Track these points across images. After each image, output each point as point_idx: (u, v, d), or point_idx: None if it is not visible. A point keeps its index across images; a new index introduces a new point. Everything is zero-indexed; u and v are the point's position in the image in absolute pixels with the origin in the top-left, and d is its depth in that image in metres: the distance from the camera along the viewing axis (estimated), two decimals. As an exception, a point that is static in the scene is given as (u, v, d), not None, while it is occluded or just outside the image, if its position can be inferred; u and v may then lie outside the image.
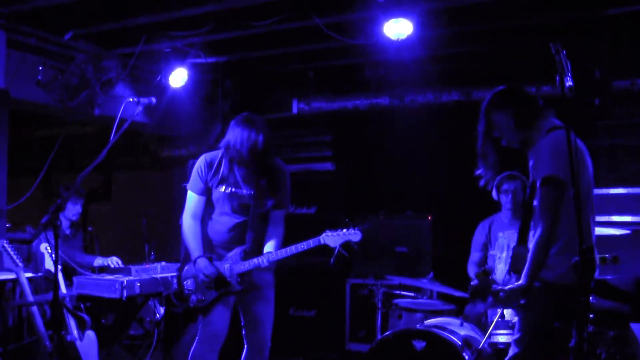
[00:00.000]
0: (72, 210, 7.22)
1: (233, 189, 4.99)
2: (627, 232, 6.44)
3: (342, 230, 4.79)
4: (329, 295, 8.21)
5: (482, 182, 4.23)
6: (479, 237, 6.41)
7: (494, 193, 6.30)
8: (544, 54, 3.64)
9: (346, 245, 4.82)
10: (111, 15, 6.65)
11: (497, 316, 5.25)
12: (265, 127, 4.91)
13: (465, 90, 7.74)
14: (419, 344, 5.32)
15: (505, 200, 6.20)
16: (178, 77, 7.43)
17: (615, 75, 6.93)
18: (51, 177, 9.12)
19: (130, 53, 7.33)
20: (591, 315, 5.21)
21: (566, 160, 3.69)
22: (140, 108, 4.79)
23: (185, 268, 5.07)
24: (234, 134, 4.89)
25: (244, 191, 4.99)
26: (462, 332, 5.49)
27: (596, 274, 5.74)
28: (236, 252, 4.95)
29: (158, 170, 10.41)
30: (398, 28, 6.21)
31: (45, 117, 8.30)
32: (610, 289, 6.11)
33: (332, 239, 4.78)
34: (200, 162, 5.10)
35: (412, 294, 6.38)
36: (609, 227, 6.39)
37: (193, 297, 5.00)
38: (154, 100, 4.84)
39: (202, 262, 4.94)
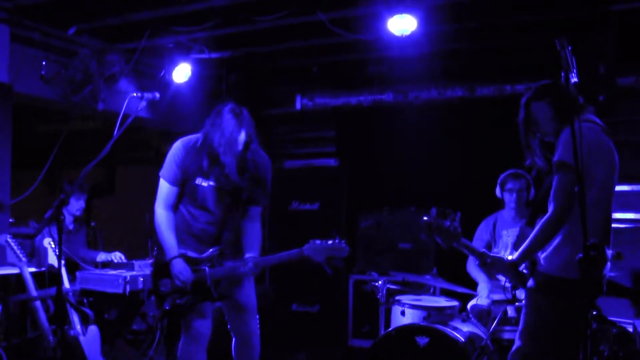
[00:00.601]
0: (76, 205, 7.22)
1: (211, 183, 4.76)
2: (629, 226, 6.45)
3: (327, 242, 4.63)
4: (332, 291, 8.20)
5: (534, 172, 4.22)
6: (482, 234, 6.39)
7: (497, 191, 6.29)
8: (549, 50, 3.62)
9: (330, 259, 4.68)
10: (115, 10, 6.65)
11: (501, 312, 5.24)
12: (249, 121, 4.71)
13: (469, 86, 7.74)
14: (422, 340, 5.32)
15: (510, 199, 6.19)
16: (182, 73, 7.42)
17: (620, 71, 6.93)
18: (55, 172, 9.11)
19: (134, 48, 7.33)
20: (594, 312, 5.20)
21: (586, 150, 3.70)
22: (143, 103, 4.80)
23: (160, 266, 4.84)
24: (216, 125, 4.66)
25: (223, 186, 4.76)
26: (466, 329, 5.49)
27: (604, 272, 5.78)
28: (213, 253, 4.78)
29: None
30: (402, 24, 6.20)
31: (48, 112, 8.30)
32: (615, 286, 6.10)
33: (316, 252, 4.61)
34: (177, 147, 4.85)
35: (415, 290, 6.38)
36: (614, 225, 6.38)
37: (169, 300, 4.81)
38: (157, 95, 4.83)
39: (178, 265, 4.69)
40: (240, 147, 4.67)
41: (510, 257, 3.98)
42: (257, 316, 5.08)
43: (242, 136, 4.66)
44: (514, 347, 4.07)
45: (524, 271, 4.07)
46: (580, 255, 3.21)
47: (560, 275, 3.82)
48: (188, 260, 4.78)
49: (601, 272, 3.90)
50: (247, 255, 4.81)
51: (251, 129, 4.72)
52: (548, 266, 3.86)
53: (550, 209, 3.81)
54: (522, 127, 4.20)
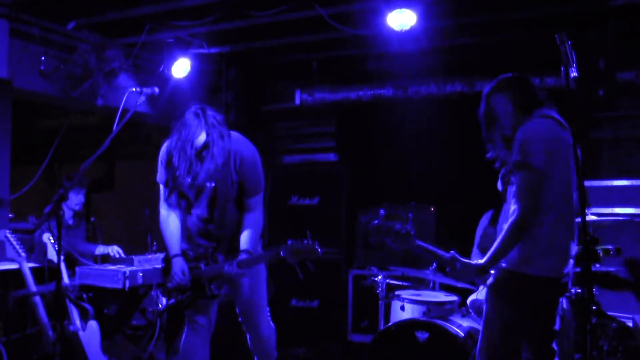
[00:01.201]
0: (75, 200, 7.21)
1: (197, 181, 4.78)
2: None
3: (302, 243, 4.62)
4: (332, 286, 8.21)
5: (497, 164, 4.17)
6: (482, 229, 6.38)
7: (499, 184, 6.28)
8: (549, 45, 3.62)
9: (303, 262, 4.68)
10: (114, 5, 6.64)
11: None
12: (210, 121, 4.74)
13: (468, 81, 7.73)
14: (422, 335, 5.32)
15: (511, 190, 6.17)
16: (181, 68, 7.41)
17: (619, 66, 6.92)
18: (54, 167, 9.13)
19: (133, 43, 7.32)
20: (593, 307, 5.21)
21: (544, 147, 3.68)
22: (142, 98, 4.79)
23: (166, 264, 4.99)
24: (176, 128, 4.76)
25: (208, 183, 4.81)
26: (465, 324, 5.50)
27: (597, 267, 5.77)
28: (208, 251, 4.88)
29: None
30: (402, 19, 6.20)
31: (48, 107, 8.30)
32: (614, 280, 6.10)
33: (290, 253, 4.61)
34: (162, 150, 4.94)
35: (414, 285, 6.38)
36: (612, 218, 6.38)
37: (173, 295, 4.96)
38: (156, 90, 4.84)
39: (178, 264, 4.84)
40: (194, 148, 4.69)
41: (478, 262, 3.87)
42: (267, 310, 5.14)
43: (202, 137, 4.70)
44: (477, 346, 4.03)
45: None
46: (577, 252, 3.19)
47: (517, 270, 3.77)
48: (188, 257, 4.92)
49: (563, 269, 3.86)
50: (241, 249, 4.84)
51: (213, 128, 4.73)
52: (506, 262, 3.82)
53: (515, 210, 3.76)
54: (482, 119, 4.16)
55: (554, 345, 3.97)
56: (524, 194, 3.74)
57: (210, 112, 4.79)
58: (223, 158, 4.74)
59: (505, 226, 3.79)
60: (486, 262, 3.82)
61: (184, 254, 4.91)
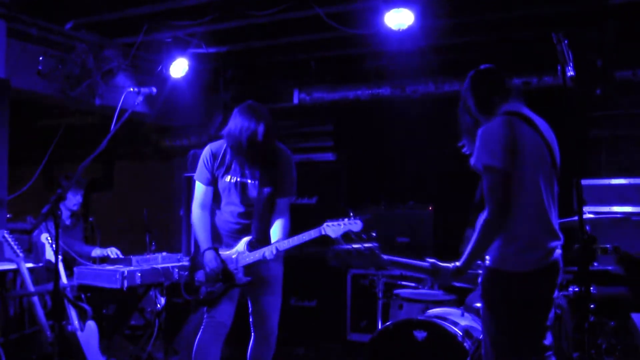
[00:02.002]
0: (73, 200, 7.20)
1: (238, 179, 5.01)
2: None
3: (342, 220, 4.72)
4: (330, 285, 8.21)
5: (467, 150, 4.13)
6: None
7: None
8: (546, 44, 3.62)
9: (347, 236, 4.79)
10: (112, 5, 6.64)
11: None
12: (266, 116, 4.89)
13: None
14: (420, 334, 5.32)
15: None
16: (179, 67, 7.42)
17: (617, 65, 6.92)
18: (52, 167, 9.12)
19: (131, 43, 7.32)
20: (592, 306, 5.21)
21: (504, 146, 3.65)
22: (141, 98, 4.80)
23: (196, 259, 5.10)
24: (235, 123, 4.87)
25: (248, 180, 5.00)
26: (463, 323, 5.49)
27: (595, 266, 5.77)
28: (242, 242, 4.96)
29: (159, 160, 10.41)
30: (399, 18, 6.20)
31: (46, 107, 8.30)
32: (612, 277, 6.11)
33: (332, 229, 4.71)
34: (206, 152, 5.11)
35: (413, 284, 6.38)
36: (610, 216, 6.38)
37: (202, 289, 5.03)
38: (154, 90, 4.84)
39: (209, 255, 4.96)
40: (261, 138, 4.82)
41: (455, 264, 3.89)
42: (278, 318, 5.23)
43: (261, 129, 4.82)
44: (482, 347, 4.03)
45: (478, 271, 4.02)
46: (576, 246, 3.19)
47: (498, 268, 3.76)
48: (218, 251, 5.04)
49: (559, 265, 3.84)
50: (271, 244, 4.96)
51: (270, 123, 4.88)
52: (490, 260, 3.82)
53: (486, 211, 3.75)
54: (461, 114, 4.14)
55: (547, 342, 3.96)
56: (491, 194, 3.73)
57: (264, 109, 4.96)
58: (265, 159, 4.97)
59: (477, 227, 3.79)
60: (462, 264, 3.85)
61: (216, 249, 5.03)
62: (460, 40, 7.52)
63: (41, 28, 6.84)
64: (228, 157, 5.03)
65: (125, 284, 6.18)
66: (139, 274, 6.33)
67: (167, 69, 7.44)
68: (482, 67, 4.13)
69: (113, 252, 7.05)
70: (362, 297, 7.89)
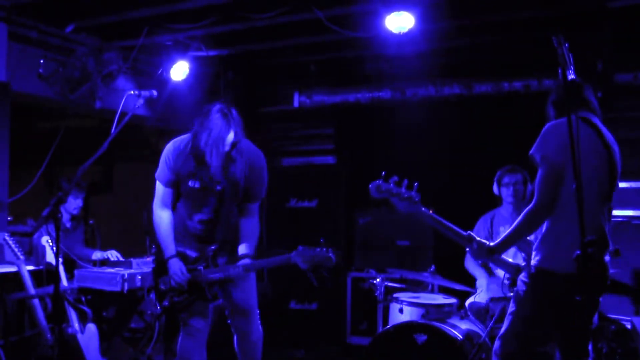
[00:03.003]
0: (74, 204, 7.20)
1: (202, 183, 4.80)
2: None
3: (315, 250, 4.60)
4: (330, 288, 8.21)
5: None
6: (479, 230, 6.39)
7: (494, 188, 6.28)
8: (546, 47, 3.62)
9: (318, 269, 4.66)
10: (112, 8, 6.64)
11: (499, 309, 5.24)
12: (237, 121, 4.75)
13: (466, 83, 7.74)
14: (420, 338, 5.32)
15: (507, 194, 6.18)
16: (179, 70, 7.42)
17: (617, 68, 6.92)
18: (53, 170, 9.11)
19: (131, 46, 7.32)
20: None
21: (563, 142, 3.65)
22: (141, 101, 4.79)
23: (159, 264, 4.94)
24: (204, 126, 4.71)
25: (215, 185, 4.80)
26: (464, 326, 5.49)
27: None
28: (208, 253, 4.84)
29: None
30: (400, 21, 6.21)
31: (46, 110, 8.29)
32: (613, 282, 6.10)
33: (302, 259, 4.60)
34: (168, 149, 4.92)
35: (413, 288, 6.38)
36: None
37: (168, 297, 4.90)
38: (155, 93, 4.83)
39: (175, 265, 4.79)
40: (227, 147, 4.71)
41: (490, 243, 3.98)
42: (257, 313, 5.10)
43: (231, 136, 4.71)
44: (495, 345, 4.04)
45: (519, 263, 4.12)
46: (578, 252, 3.18)
47: (543, 267, 3.80)
48: (185, 259, 4.87)
49: (598, 267, 3.86)
50: (241, 253, 4.86)
51: (239, 128, 4.75)
52: (537, 259, 3.84)
53: (533, 200, 3.83)
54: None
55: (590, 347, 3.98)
56: (542, 185, 3.82)
57: (234, 112, 4.79)
58: (232, 163, 4.79)
59: (521, 215, 3.86)
60: (497, 244, 3.94)
61: (180, 255, 4.85)
62: (461, 44, 7.52)
63: (41, 31, 6.84)
64: (193, 158, 4.80)
65: (126, 287, 6.19)
66: (139, 277, 6.33)
67: (168, 72, 7.44)
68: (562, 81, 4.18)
69: (113, 254, 7.05)
70: (362, 300, 7.90)
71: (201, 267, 4.83)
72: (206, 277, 4.80)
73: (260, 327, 5.13)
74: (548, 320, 3.85)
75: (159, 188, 4.93)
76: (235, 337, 5.12)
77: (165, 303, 4.90)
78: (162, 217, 4.91)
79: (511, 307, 3.98)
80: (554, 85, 4.32)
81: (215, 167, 4.69)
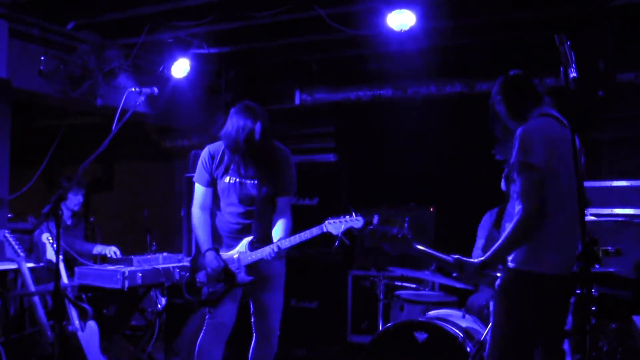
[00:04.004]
0: (74, 200, 7.20)
1: (237, 179, 5.02)
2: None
3: (344, 217, 4.77)
4: (331, 286, 8.21)
5: (499, 157, 4.13)
6: (485, 225, 6.35)
7: (502, 184, 6.26)
8: (548, 46, 3.61)
9: (348, 233, 4.81)
10: (114, 5, 6.63)
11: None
12: (263, 115, 4.95)
13: (468, 82, 7.73)
14: (421, 336, 5.31)
15: (514, 190, 6.16)
16: (180, 68, 7.42)
17: (619, 67, 6.91)
18: (53, 168, 9.12)
19: (132, 43, 7.31)
20: (593, 308, 5.20)
21: (544, 146, 3.65)
22: (142, 98, 4.79)
23: (197, 260, 5.11)
24: (231, 123, 4.93)
25: (247, 181, 5.01)
26: (464, 324, 5.49)
27: (597, 268, 5.76)
28: (244, 242, 4.97)
29: (160, 161, 10.41)
30: (401, 19, 6.20)
31: (47, 108, 8.29)
32: (615, 280, 6.10)
33: (334, 226, 4.77)
34: (204, 153, 5.13)
35: (414, 286, 6.38)
36: (612, 219, 6.38)
37: (204, 290, 5.04)
38: (156, 90, 4.84)
39: (210, 255, 4.98)
40: (258, 137, 4.90)
41: (480, 259, 3.84)
42: (280, 317, 5.26)
43: (258, 128, 4.90)
44: (487, 348, 4.02)
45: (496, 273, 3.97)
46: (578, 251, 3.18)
47: (524, 269, 3.73)
48: (219, 252, 5.06)
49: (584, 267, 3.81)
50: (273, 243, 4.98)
51: (266, 122, 4.95)
52: (513, 261, 3.80)
53: (520, 209, 3.72)
54: (490, 120, 4.15)
55: (566, 346, 3.95)
56: (528, 194, 3.70)
57: (259, 108, 5.03)
58: (263, 159, 5.00)
59: (510, 225, 3.75)
60: (487, 258, 3.79)
61: (217, 250, 5.05)
62: (462, 42, 7.51)
63: (43, 28, 6.84)
64: (226, 157, 5.05)
65: (126, 284, 6.18)
66: (140, 274, 6.33)
67: (169, 69, 7.44)
68: (511, 72, 4.14)
69: (112, 251, 7.05)
70: (363, 298, 7.90)
71: (237, 255, 4.99)
72: (242, 262, 4.97)
73: (278, 331, 5.26)
74: (531, 320, 3.80)
75: (198, 190, 5.16)
76: (254, 338, 5.23)
77: (202, 296, 5.06)
78: (201, 217, 5.14)
79: (492, 309, 3.93)
80: (501, 82, 4.16)
81: (251, 156, 4.93)
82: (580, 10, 6.52)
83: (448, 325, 5.32)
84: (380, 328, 5.92)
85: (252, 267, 4.98)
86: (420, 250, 3.98)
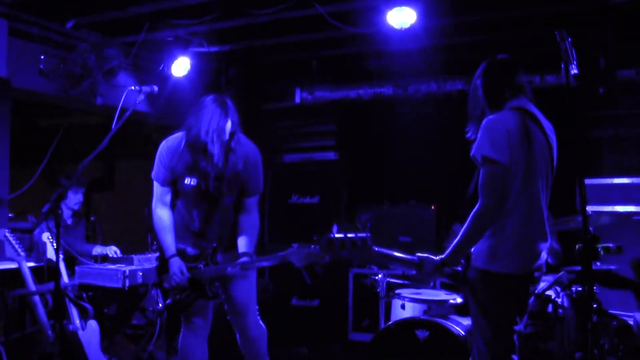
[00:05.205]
0: (74, 199, 7.20)
1: (198, 180, 4.75)
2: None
3: (310, 247, 4.51)
4: (332, 285, 8.20)
5: (471, 136, 4.04)
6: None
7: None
8: (549, 43, 3.60)
9: (311, 266, 4.68)
10: (113, 4, 6.62)
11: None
12: (233, 110, 4.73)
13: (469, 79, 7.68)
14: (422, 334, 5.31)
15: None
16: (180, 66, 7.41)
17: (620, 64, 6.91)
18: (53, 166, 9.11)
19: (132, 42, 7.31)
20: (594, 305, 5.19)
21: (506, 140, 3.60)
22: (142, 97, 4.78)
23: (163, 262, 4.92)
24: (200, 116, 4.66)
25: (210, 182, 4.73)
26: (466, 322, 5.48)
27: (598, 265, 5.75)
28: (208, 251, 4.83)
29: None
30: (402, 17, 6.19)
31: (47, 106, 8.28)
32: (616, 278, 6.10)
33: (297, 258, 4.53)
34: (162, 148, 4.89)
35: (415, 284, 6.36)
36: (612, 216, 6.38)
37: (171, 294, 4.90)
38: (156, 88, 4.82)
39: (175, 265, 4.77)
40: (226, 136, 4.69)
41: (439, 257, 3.82)
42: (256, 310, 5.08)
43: (229, 125, 4.69)
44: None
45: (458, 269, 3.90)
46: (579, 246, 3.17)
47: (484, 268, 3.69)
48: (185, 257, 4.86)
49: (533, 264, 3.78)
50: (240, 251, 4.83)
51: (236, 118, 4.74)
52: (476, 260, 3.75)
53: (478, 203, 3.67)
54: (470, 98, 4.09)
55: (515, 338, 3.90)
56: (487, 187, 3.66)
57: (229, 102, 4.77)
58: (229, 159, 4.74)
59: (467, 220, 3.70)
60: (446, 256, 3.78)
61: (181, 253, 4.85)
62: (463, 40, 7.49)
63: (42, 27, 6.83)
64: (186, 155, 4.76)
65: (127, 283, 6.18)
66: (141, 273, 6.32)
67: (169, 68, 7.43)
68: (498, 56, 4.06)
69: (112, 250, 7.05)
70: (364, 296, 7.89)
71: (201, 266, 4.81)
72: (206, 275, 4.79)
73: (260, 323, 5.12)
74: (502, 312, 3.77)
75: (157, 187, 4.91)
76: (237, 335, 5.13)
77: (169, 301, 4.93)
78: (162, 216, 4.88)
79: (471, 307, 3.90)
80: (484, 65, 4.09)
81: (217, 155, 4.63)
82: (582, 8, 6.51)
83: (449, 324, 5.31)
84: (382, 326, 5.91)
85: (215, 280, 4.83)
86: (381, 253, 3.90)
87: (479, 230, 3.67)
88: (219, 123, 4.63)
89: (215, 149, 4.62)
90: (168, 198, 4.91)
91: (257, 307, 5.09)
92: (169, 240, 4.84)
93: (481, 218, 3.65)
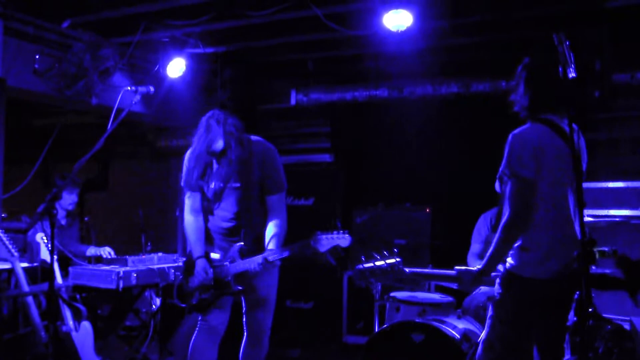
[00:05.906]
0: (68, 199, 7.18)
1: (220, 183, 5.01)
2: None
3: (332, 234, 4.71)
4: (327, 287, 8.19)
5: (517, 107, 4.07)
6: (480, 229, 6.36)
7: (497, 185, 6.24)
8: (546, 46, 3.59)
9: (334, 249, 4.76)
10: (109, 4, 6.60)
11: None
12: (230, 125, 4.97)
13: (464, 82, 7.72)
14: (418, 337, 5.30)
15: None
16: (176, 67, 7.39)
17: (615, 68, 6.91)
18: (48, 167, 9.09)
19: (128, 42, 7.28)
20: (589, 309, 5.18)
21: (531, 155, 3.72)
22: (137, 97, 4.77)
23: (190, 264, 5.09)
24: (199, 135, 5.01)
25: (231, 184, 4.99)
26: (461, 325, 5.47)
27: (593, 269, 5.75)
28: (234, 250, 4.93)
29: (155, 160, 10.39)
30: (398, 19, 6.18)
31: (42, 106, 8.26)
32: (611, 281, 6.09)
33: (321, 243, 4.70)
34: (187, 158, 5.15)
35: (410, 287, 6.35)
36: (608, 220, 6.37)
37: (196, 295, 5.03)
38: (151, 89, 4.82)
39: (201, 264, 4.98)
40: (217, 152, 4.97)
41: (477, 267, 3.94)
42: (271, 316, 5.19)
43: (220, 144, 4.94)
44: (478, 351, 4.02)
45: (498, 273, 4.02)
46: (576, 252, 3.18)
47: (516, 272, 3.80)
48: (210, 257, 5.06)
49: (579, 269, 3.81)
50: (267, 248, 4.93)
51: (231, 128, 4.96)
52: (509, 264, 3.85)
53: (505, 215, 3.80)
54: (515, 85, 4.08)
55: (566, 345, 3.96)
56: (513, 201, 3.80)
57: (230, 120, 4.99)
58: (241, 162, 4.95)
59: (497, 231, 3.83)
60: (484, 266, 3.89)
61: (207, 256, 5.04)
62: (459, 42, 7.50)
63: (38, 27, 6.80)
64: (206, 162, 5.07)
65: (121, 285, 6.16)
66: (135, 275, 6.31)
67: (164, 68, 7.42)
68: (544, 62, 4.02)
69: (106, 251, 7.03)
70: (359, 299, 7.88)
71: (227, 262, 4.95)
72: (232, 272, 4.92)
73: (269, 331, 5.20)
74: (528, 321, 3.84)
75: (186, 195, 5.17)
76: (245, 337, 5.18)
77: (193, 301, 5.06)
78: (191, 221, 5.15)
79: (490, 312, 3.96)
80: (532, 65, 4.02)
81: (227, 165, 4.96)
82: (577, 11, 6.52)
83: (445, 327, 5.30)
84: (376, 329, 5.90)
85: (241, 275, 4.92)
86: (415, 273, 4.05)
87: (508, 240, 3.81)
88: (207, 142, 4.94)
89: (198, 167, 5.03)
90: (198, 204, 5.15)
91: (272, 317, 5.20)
92: (196, 243, 5.08)
93: (510, 229, 3.79)
